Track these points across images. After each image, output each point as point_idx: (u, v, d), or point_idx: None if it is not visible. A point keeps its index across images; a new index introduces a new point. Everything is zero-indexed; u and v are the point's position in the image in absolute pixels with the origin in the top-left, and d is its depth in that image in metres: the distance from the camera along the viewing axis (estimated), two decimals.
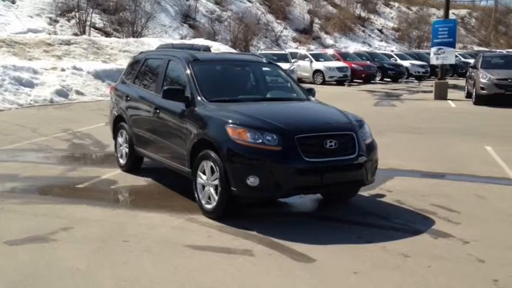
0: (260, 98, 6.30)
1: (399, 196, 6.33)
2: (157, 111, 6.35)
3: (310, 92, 6.72)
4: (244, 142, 5.02)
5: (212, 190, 5.32)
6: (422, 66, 31.46)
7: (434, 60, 19.04)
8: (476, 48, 50.54)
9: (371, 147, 5.47)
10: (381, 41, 45.50)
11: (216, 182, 5.23)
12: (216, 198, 5.24)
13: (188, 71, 6.11)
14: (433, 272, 4.11)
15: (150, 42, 25.67)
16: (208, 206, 5.38)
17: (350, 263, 4.25)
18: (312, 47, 36.24)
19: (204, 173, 5.45)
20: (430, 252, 4.53)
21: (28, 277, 3.91)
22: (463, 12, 64.95)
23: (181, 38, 31.35)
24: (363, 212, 5.78)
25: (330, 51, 30.67)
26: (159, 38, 27.51)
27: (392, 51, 35.17)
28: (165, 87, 5.98)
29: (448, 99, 18.60)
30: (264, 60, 7.05)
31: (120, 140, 7.56)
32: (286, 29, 38.30)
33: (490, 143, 10.03)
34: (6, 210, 5.59)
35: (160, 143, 6.37)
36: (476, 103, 17.02)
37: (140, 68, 7.35)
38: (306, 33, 39.43)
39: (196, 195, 5.58)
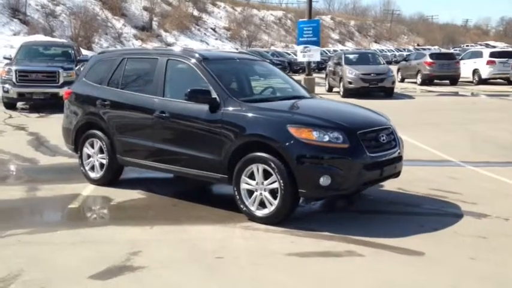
0: (280, 96, 6.19)
1: (395, 184, 6.74)
2: (165, 115, 5.81)
3: None
4: (311, 142, 4.93)
5: (268, 194, 5.11)
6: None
7: (301, 58, 20.27)
8: (297, 47, 54.56)
9: (401, 141, 5.80)
10: (216, 39, 46.58)
11: (275, 185, 5.03)
12: (276, 202, 5.04)
13: (205, 71, 5.72)
14: None
15: None
16: (263, 212, 5.15)
17: (453, 250, 4.50)
18: (155, 44, 35.48)
19: (251, 177, 5.21)
20: (494, 231, 5.00)
21: None
22: (280, 13, 69.69)
23: (14, 35, 28.19)
24: (388, 202, 6.09)
25: (177, 49, 30.48)
26: None
27: (237, 49, 36.31)
28: (190, 89, 5.50)
29: (316, 94, 20.02)
30: (261, 58, 6.91)
31: (90, 150, 6.69)
32: (125, 25, 36.89)
33: (398, 131, 11.11)
34: (28, 242, 4.63)
35: (171, 150, 5.82)
36: (344, 96, 18.63)
37: (116, 68, 6.59)
38: (146, 30, 38.49)
39: (240, 202, 5.28)
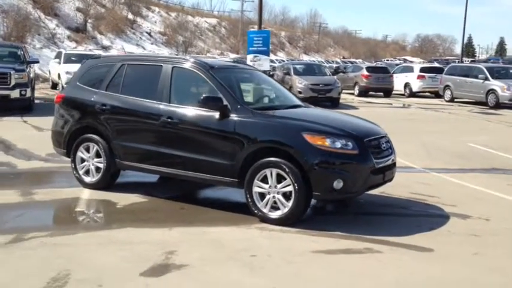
0: (281, 104, 6.50)
1: (378, 188, 7.26)
2: (172, 120, 5.96)
3: None
4: (325, 148, 5.30)
5: (281, 197, 5.41)
6: None
7: None
8: (232, 55, 54.92)
9: (394, 149, 6.31)
10: (152, 44, 46.00)
11: (288, 188, 5.35)
12: (289, 204, 5.36)
13: (214, 79, 5.95)
14: None
15: None
16: (276, 213, 5.44)
17: (456, 247, 5.01)
18: (90, 47, 34.59)
19: (263, 181, 5.49)
20: (482, 230, 5.59)
21: None
22: (214, 21, 69.97)
23: None
24: (379, 205, 6.57)
25: (114, 52, 30.07)
26: None
27: (177, 54, 36.17)
28: (205, 95, 5.74)
29: None
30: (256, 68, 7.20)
31: (85, 155, 6.68)
32: (58, 26, 35.63)
33: None
34: (55, 244, 4.64)
35: (178, 155, 5.96)
36: None
37: (115, 74, 6.62)
38: (81, 32, 37.34)
39: (252, 205, 5.54)
